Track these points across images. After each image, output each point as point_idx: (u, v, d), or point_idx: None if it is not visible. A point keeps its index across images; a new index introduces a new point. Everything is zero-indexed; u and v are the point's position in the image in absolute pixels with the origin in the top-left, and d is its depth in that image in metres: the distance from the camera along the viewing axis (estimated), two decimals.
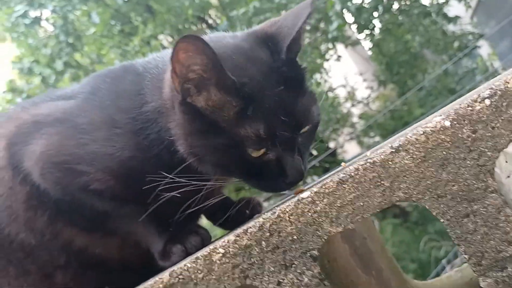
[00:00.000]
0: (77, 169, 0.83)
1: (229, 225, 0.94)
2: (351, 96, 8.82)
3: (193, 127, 0.75)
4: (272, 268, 0.62)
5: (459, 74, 8.66)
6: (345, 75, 8.84)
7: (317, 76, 7.65)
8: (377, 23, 7.91)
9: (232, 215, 0.96)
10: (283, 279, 0.61)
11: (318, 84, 7.55)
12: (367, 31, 8.01)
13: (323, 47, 7.60)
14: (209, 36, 0.86)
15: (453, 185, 0.54)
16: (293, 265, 0.61)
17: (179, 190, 0.77)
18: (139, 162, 0.80)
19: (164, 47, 7.53)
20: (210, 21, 8.14)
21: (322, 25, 7.16)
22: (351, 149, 8.61)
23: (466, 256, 0.54)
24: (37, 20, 6.69)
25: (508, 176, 0.64)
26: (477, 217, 0.53)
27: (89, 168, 0.83)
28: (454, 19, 7.02)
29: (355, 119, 8.71)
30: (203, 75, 0.73)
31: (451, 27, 8.39)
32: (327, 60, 7.75)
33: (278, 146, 0.75)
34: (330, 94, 8.00)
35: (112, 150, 0.82)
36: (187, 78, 0.74)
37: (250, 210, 0.95)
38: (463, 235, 0.54)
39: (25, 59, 6.93)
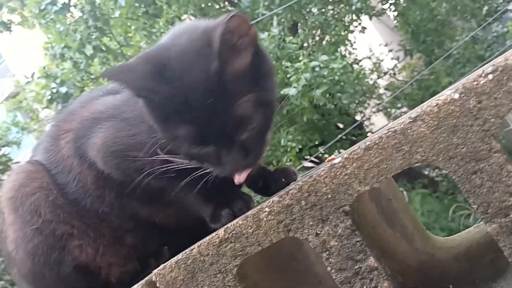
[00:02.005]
0: (130, 155, 0.96)
1: (268, 192, 1.07)
2: (377, 67, 8.72)
3: (150, 116, 0.88)
4: (311, 222, 0.74)
5: (489, 40, 8.41)
6: (370, 46, 8.74)
7: (341, 48, 7.61)
8: None
9: (270, 183, 1.08)
10: (321, 231, 0.74)
11: (343, 57, 7.49)
12: (391, 1, 7.85)
13: (347, 19, 7.52)
14: (173, 32, 0.94)
15: (462, 148, 0.65)
16: (329, 219, 0.73)
17: None
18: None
19: None
20: None
21: None
22: (378, 121, 8.59)
23: (474, 206, 0.65)
24: (66, 7, 6.86)
25: None
26: (483, 174, 0.64)
27: (140, 153, 0.96)
28: None
29: (381, 91, 8.64)
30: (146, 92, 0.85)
31: None
32: (352, 32, 7.67)
33: (211, 142, 0.84)
34: (356, 66, 7.93)
35: (154, 140, 0.93)
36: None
37: (286, 178, 1.07)
38: (472, 189, 0.65)
39: (55, 45, 7.12)
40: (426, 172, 8.00)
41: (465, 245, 0.95)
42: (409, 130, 0.67)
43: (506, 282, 0.69)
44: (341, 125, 7.58)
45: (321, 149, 7.08)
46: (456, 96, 0.64)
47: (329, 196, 0.73)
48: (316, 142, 6.98)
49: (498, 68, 0.62)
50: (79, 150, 1.02)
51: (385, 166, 0.69)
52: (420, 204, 7.21)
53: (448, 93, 0.65)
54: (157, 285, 0.86)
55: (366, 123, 8.33)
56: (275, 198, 0.77)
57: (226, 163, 0.85)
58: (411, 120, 0.67)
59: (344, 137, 7.01)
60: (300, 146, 6.24)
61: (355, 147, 0.72)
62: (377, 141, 0.69)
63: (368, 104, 8.42)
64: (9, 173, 1.14)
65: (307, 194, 0.74)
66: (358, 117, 8.07)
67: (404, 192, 8.38)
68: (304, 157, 6.82)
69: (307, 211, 0.74)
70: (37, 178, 1.04)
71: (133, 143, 0.96)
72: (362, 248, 0.71)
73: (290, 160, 6.06)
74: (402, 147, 0.67)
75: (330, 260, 0.73)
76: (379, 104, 8.40)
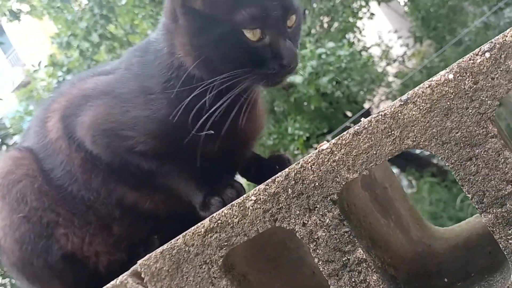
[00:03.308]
0: (122, 134, 0.93)
1: (262, 180, 1.03)
2: (386, 54, 8.60)
3: (195, 27, 0.84)
4: (298, 212, 0.71)
5: (501, 26, 8.22)
6: (379, 33, 8.60)
7: (350, 35, 7.50)
8: None
9: (264, 171, 1.05)
10: (308, 221, 0.70)
11: (351, 44, 7.38)
12: None
13: (355, 5, 7.40)
14: None
15: (457, 132, 0.60)
16: (316, 208, 0.69)
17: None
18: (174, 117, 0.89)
19: None
20: None
21: None
22: None
23: (469, 195, 0.61)
24: None
25: None
26: (478, 160, 0.59)
27: (133, 132, 0.93)
28: None
29: (390, 78, 8.53)
30: None
31: None
32: (360, 18, 7.55)
33: (271, 29, 0.82)
34: (364, 54, 7.82)
35: (150, 112, 0.91)
36: None
37: (280, 165, 1.03)
38: (466, 176, 0.60)
39: (62, 34, 7.13)
40: (435, 161, 7.92)
41: (464, 236, 0.91)
42: (399, 114, 0.62)
43: (502, 276, 0.65)
44: (349, 114, 7.51)
45: (329, 137, 7.03)
46: (451, 76, 0.60)
47: (316, 184, 0.69)
48: (324, 130, 6.93)
49: (496, 46, 0.57)
50: (67, 130, 0.99)
51: (375, 152, 0.65)
52: (428, 193, 7.14)
53: (442, 73, 0.60)
54: (142, 275, 0.84)
55: (375, 111, 8.24)
56: (261, 186, 0.74)
57: (284, 52, 0.83)
58: (401, 103, 0.62)
59: (352, 125, 6.93)
60: (307, 135, 6.20)
61: (344, 133, 0.68)
62: (366, 126, 0.65)
63: (377, 92, 8.33)
64: None
65: (293, 182, 0.71)
66: (366, 105, 7.99)
67: (413, 181, 8.33)
68: (312, 146, 6.78)
69: (293, 200, 0.71)
70: (23, 165, 1.02)
71: (125, 120, 0.93)
72: (351, 239, 0.67)
73: (298, 148, 6.03)
74: (393, 132, 0.63)
75: (318, 251, 0.70)
76: (389, 92, 8.30)
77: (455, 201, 6.23)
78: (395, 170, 8.47)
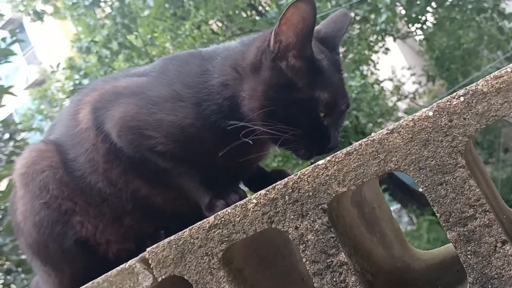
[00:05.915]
0: (146, 133, 1.03)
1: None
2: (397, 89, 8.72)
3: (276, 82, 0.97)
4: (292, 216, 0.81)
5: None
6: (393, 68, 8.74)
7: (364, 67, 7.65)
8: (428, 17, 7.78)
9: (266, 183, 1.16)
10: (300, 225, 0.81)
11: (365, 76, 7.50)
12: (417, 25, 7.89)
13: (371, 38, 7.57)
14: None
15: (432, 160, 0.71)
16: (308, 215, 0.80)
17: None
18: (196, 129, 1.00)
19: (213, 32, 7.77)
20: (260, 8, 8.28)
21: (372, 16, 7.16)
22: None
23: (438, 214, 0.71)
24: (96, 2, 7.08)
25: None
26: (448, 186, 0.71)
27: (155, 133, 1.03)
28: (510, 16, 6.80)
29: (400, 114, 8.63)
30: (295, 40, 0.96)
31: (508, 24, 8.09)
32: (376, 52, 7.72)
33: (331, 118, 0.97)
34: (376, 87, 7.93)
35: (175, 118, 1.01)
36: (282, 41, 0.97)
37: (281, 179, 1.14)
38: (437, 198, 0.71)
39: (83, 38, 7.33)
40: None
41: (440, 258, 1.01)
42: (385, 140, 0.74)
43: (463, 287, 0.75)
44: None
45: None
46: (430, 113, 0.71)
47: (310, 193, 0.80)
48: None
49: (469, 92, 0.69)
50: (96, 121, 1.08)
51: (362, 171, 0.76)
52: (427, 231, 7.15)
53: (424, 110, 0.72)
54: (149, 262, 0.94)
55: None
56: (262, 191, 0.85)
57: (332, 139, 0.98)
58: (388, 131, 0.74)
59: None
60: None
61: (337, 152, 0.80)
62: (357, 148, 0.76)
63: (386, 125, 8.40)
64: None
65: (291, 190, 0.82)
66: None
67: (414, 218, 8.33)
68: None
69: (289, 205, 0.82)
70: (47, 157, 1.12)
71: (151, 121, 1.02)
72: (335, 244, 0.78)
73: None
74: (378, 155, 0.74)
75: (306, 252, 0.80)
76: None
77: None
78: (397, 205, 8.49)
